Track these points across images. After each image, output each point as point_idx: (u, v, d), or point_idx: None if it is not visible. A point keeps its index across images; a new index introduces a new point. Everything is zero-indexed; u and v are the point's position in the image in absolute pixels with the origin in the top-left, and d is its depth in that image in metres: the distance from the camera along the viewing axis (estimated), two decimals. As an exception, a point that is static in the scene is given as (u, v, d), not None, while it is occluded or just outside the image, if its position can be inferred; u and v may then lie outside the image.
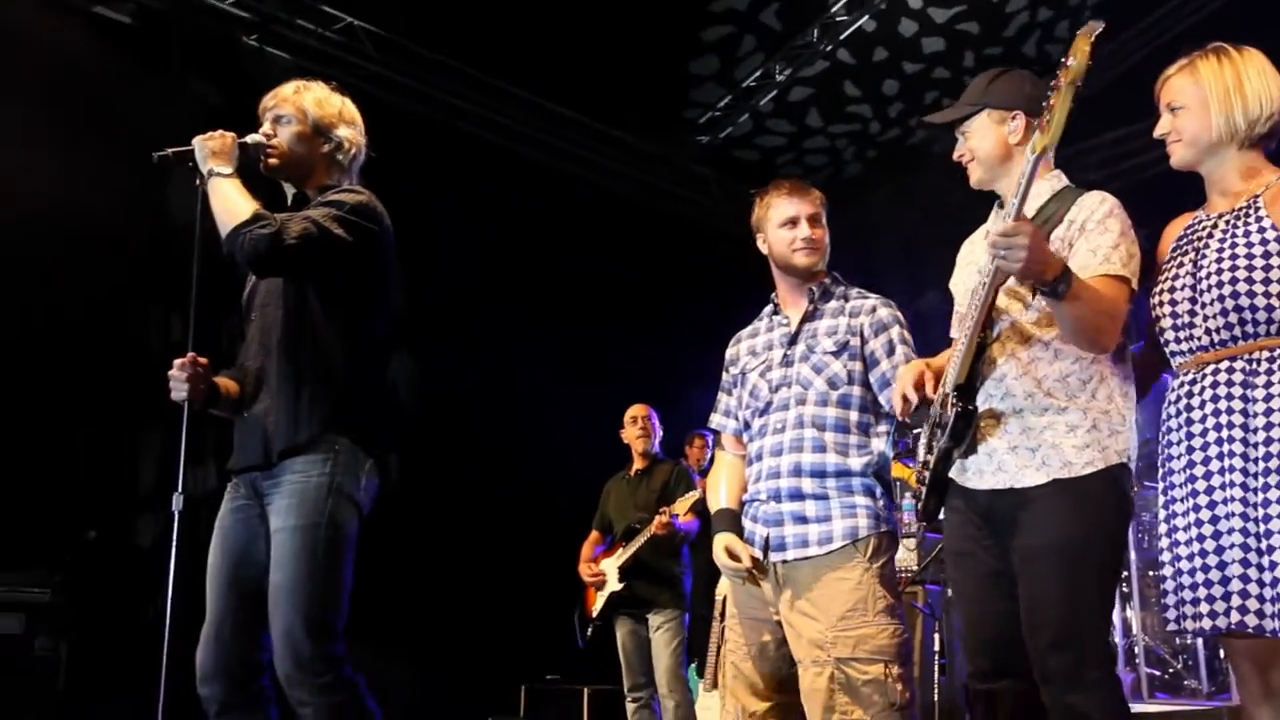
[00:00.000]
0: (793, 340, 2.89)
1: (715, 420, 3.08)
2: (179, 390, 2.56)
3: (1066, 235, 2.36)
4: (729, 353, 3.09)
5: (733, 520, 2.89)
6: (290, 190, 2.80)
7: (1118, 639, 5.19)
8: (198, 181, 2.58)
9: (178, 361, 2.58)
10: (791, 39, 7.61)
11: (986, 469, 2.38)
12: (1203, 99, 2.24)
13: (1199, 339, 2.22)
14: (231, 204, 2.51)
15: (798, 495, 2.74)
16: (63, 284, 6.07)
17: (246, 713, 2.50)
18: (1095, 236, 2.32)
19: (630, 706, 5.15)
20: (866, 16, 7.36)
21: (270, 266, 2.56)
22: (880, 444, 2.79)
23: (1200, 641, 4.99)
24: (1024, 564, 2.28)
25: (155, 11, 6.47)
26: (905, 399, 2.40)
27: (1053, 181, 2.48)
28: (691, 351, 8.42)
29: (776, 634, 2.78)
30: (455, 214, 7.17)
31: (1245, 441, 2.10)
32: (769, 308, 3.04)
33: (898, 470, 4.45)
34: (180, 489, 2.49)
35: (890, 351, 2.79)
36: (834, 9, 7.36)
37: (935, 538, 5.56)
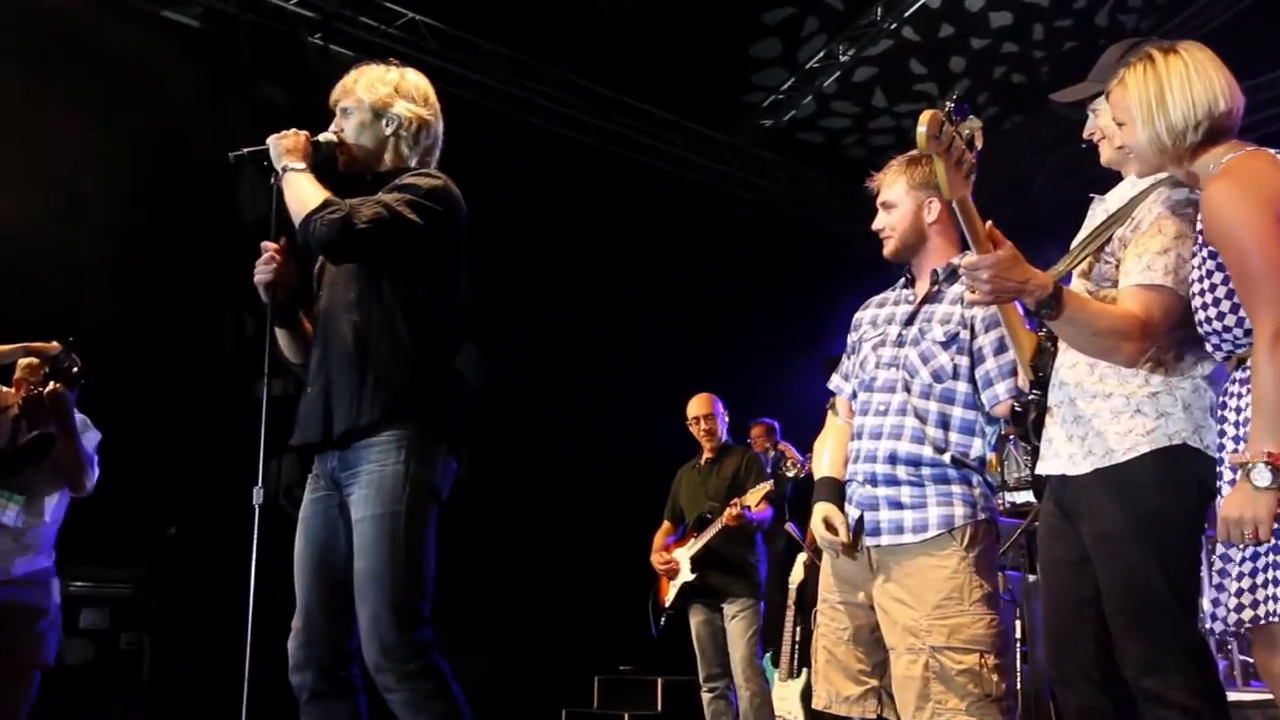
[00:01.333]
0: (910, 320, 2.80)
1: (834, 381, 3.01)
2: (264, 273, 2.66)
3: (1124, 234, 2.32)
4: (856, 316, 3.01)
5: (835, 490, 2.82)
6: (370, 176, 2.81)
7: (1207, 624, 5.05)
8: (272, 180, 2.62)
9: (267, 245, 2.68)
10: (855, 18, 7.53)
11: (1048, 455, 2.40)
12: (1133, 114, 2.20)
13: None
14: (303, 194, 2.55)
15: (893, 481, 2.68)
16: (138, 285, 6.22)
17: (336, 701, 2.53)
18: (1145, 239, 2.26)
19: (706, 696, 5.14)
20: (932, -8, 7.25)
21: (342, 250, 2.59)
22: (979, 445, 2.69)
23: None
24: (1091, 551, 2.28)
25: (222, 13, 6.59)
26: None
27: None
28: (760, 333, 8.43)
29: (870, 618, 2.74)
30: (518, 202, 7.21)
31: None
32: (903, 279, 2.93)
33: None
34: (260, 483, 2.54)
35: (1000, 350, 2.66)
36: (898, -15, 7.26)
37: (1012, 522, 5.48)
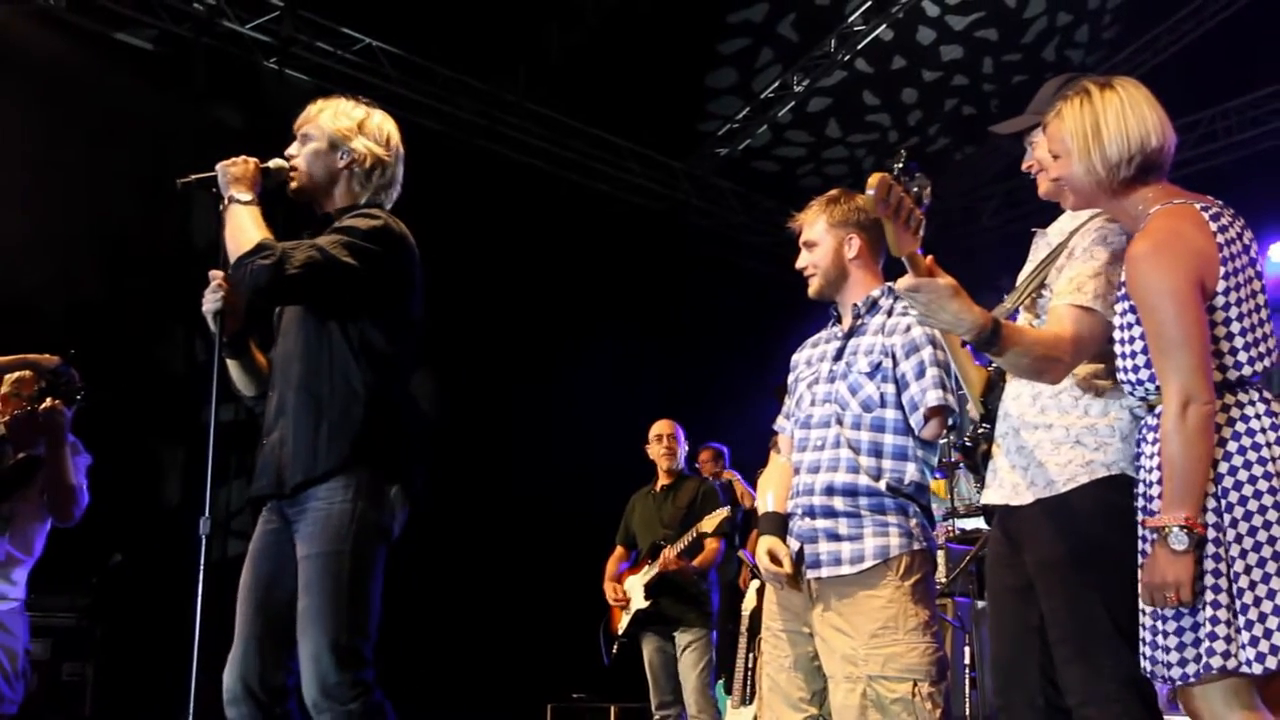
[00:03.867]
0: (838, 355, 2.87)
1: (778, 422, 3.07)
2: (211, 303, 2.60)
3: (1061, 264, 2.38)
4: (794, 357, 3.07)
5: (778, 524, 2.87)
6: (320, 211, 2.79)
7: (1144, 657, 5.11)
8: (221, 206, 2.59)
9: (215, 274, 2.62)
10: (809, 50, 7.63)
11: (993, 485, 2.44)
12: (1069, 146, 2.24)
13: None
14: (241, 233, 2.52)
15: (830, 513, 2.74)
16: (86, 307, 6.13)
17: None
18: (1079, 264, 2.31)
19: (658, 724, 5.13)
20: (884, 25, 7.38)
21: (272, 297, 2.58)
22: (913, 469, 2.74)
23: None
24: (1035, 580, 2.32)
25: (177, 37, 6.54)
26: None
27: None
28: (715, 363, 8.46)
29: (812, 646, 2.78)
30: (474, 229, 7.20)
31: None
32: (832, 317, 3.00)
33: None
34: (207, 512, 2.50)
35: (921, 374, 2.71)
36: (851, 19, 7.38)
37: (962, 549, 5.53)
